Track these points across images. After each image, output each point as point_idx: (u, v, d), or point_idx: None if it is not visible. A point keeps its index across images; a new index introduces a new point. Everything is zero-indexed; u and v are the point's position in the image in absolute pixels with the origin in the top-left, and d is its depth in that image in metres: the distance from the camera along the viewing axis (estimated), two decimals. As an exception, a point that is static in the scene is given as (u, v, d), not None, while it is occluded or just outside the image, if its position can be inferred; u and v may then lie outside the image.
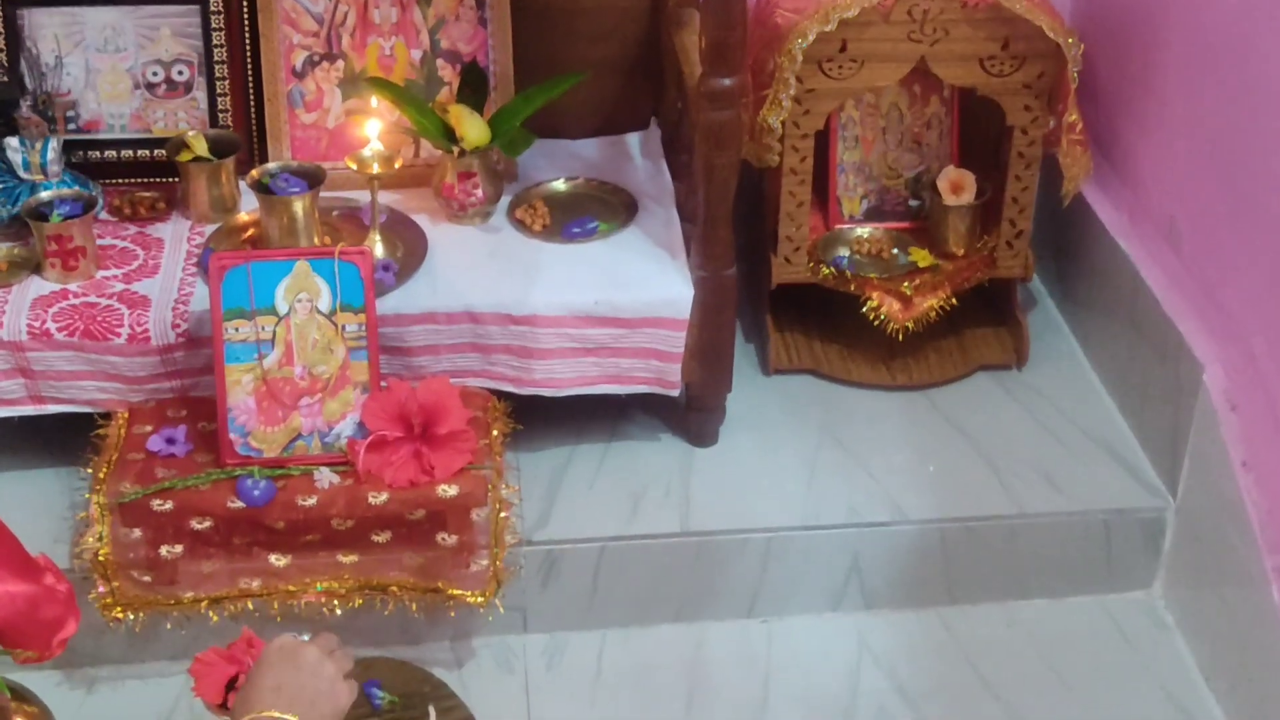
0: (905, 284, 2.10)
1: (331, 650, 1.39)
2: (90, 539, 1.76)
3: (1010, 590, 2.01)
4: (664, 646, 1.95)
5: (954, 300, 2.12)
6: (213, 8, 2.03)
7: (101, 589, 1.77)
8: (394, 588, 1.82)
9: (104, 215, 2.00)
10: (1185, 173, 2.00)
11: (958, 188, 2.13)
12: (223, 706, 1.46)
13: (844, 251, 2.17)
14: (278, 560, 1.79)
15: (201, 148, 1.98)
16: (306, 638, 1.39)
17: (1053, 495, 2.00)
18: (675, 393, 1.98)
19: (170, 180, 2.04)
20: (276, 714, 1.32)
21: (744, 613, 1.98)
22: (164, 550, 1.76)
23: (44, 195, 1.91)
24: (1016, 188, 2.10)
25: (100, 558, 1.75)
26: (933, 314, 2.11)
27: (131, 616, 1.79)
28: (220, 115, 2.07)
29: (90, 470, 1.80)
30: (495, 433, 1.87)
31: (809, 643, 1.96)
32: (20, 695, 1.63)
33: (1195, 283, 1.97)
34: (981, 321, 2.26)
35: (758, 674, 1.91)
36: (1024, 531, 1.97)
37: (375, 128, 1.92)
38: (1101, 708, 1.86)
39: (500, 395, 1.92)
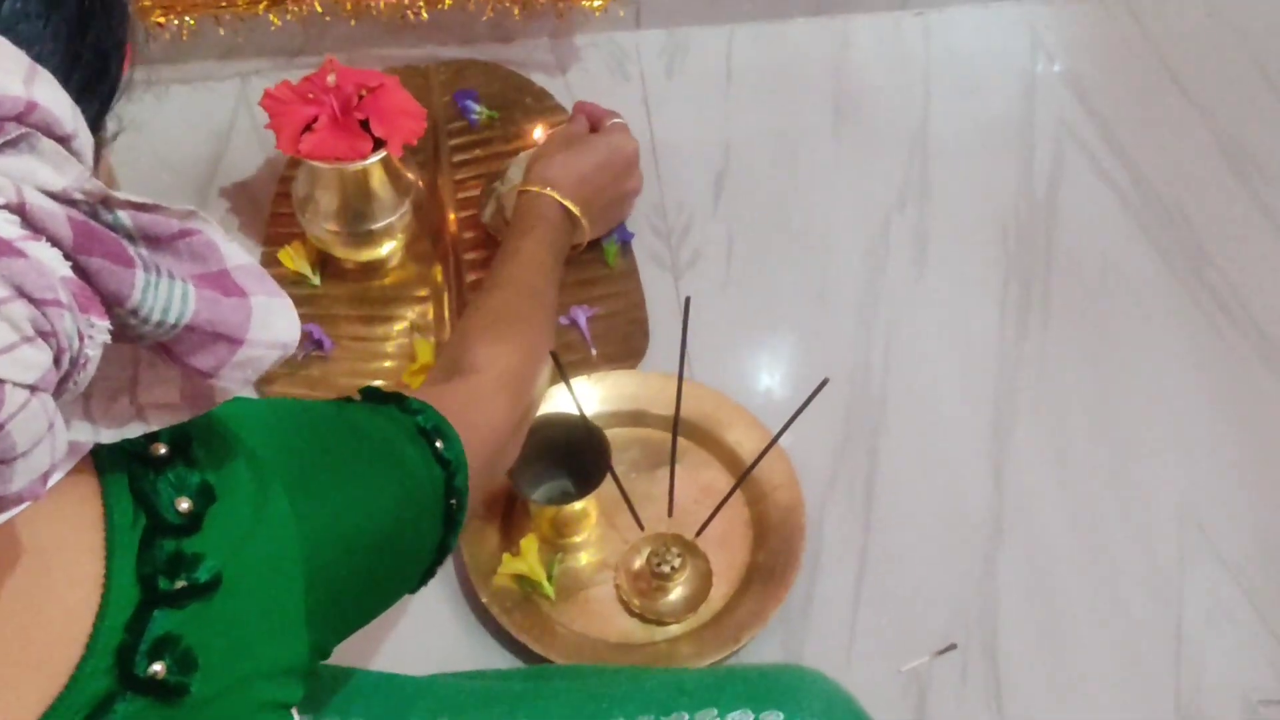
0: None
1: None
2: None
3: (1215, -26, 1.70)
4: (803, 44, 1.64)
5: None
6: None
7: (136, -10, 1.42)
8: (488, -23, 1.49)
9: None
10: None
11: None
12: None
13: None
14: (349, -54, 1.44)
15: None
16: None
17: None
18: None
19: None
20: (556, 196, 1.21)
21: (896, 3, 1.66)
22: (208, -62, 1.41)
23: None
24: None
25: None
26: None
27: (175, 21, 1.45)
28: None
29: None
30: None
31: (973, 37, 1.66)
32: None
33: None
34: None
35: (915, 73, 1.63)
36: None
37: None
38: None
39: None
